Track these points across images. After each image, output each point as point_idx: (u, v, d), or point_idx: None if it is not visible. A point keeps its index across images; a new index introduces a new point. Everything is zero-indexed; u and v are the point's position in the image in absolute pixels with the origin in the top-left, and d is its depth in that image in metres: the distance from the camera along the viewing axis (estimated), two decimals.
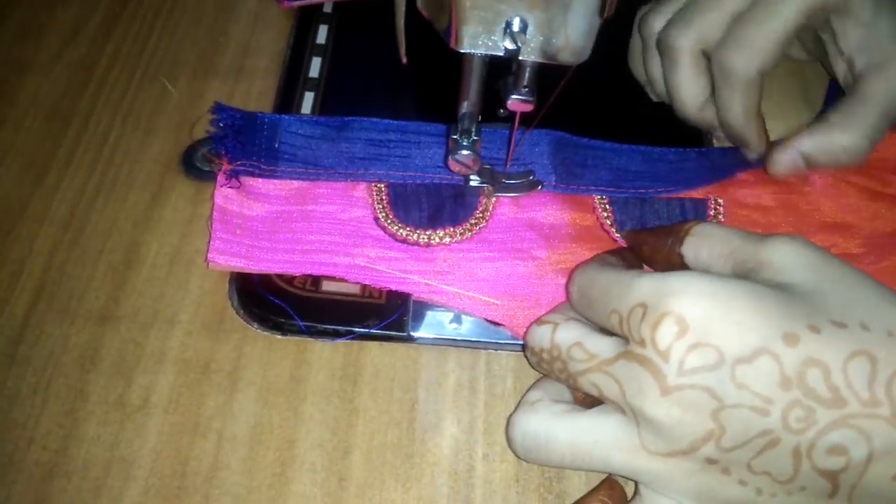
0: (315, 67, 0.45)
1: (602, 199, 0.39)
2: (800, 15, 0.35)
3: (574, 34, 0.28)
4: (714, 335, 0.24)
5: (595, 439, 0.27)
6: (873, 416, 0.23)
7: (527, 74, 0.32)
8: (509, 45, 0.28)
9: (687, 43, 0.37)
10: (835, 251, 0.37)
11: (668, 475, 0.26)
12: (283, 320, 0.35)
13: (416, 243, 0.37)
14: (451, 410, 0.33)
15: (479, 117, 0.35)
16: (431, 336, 0.35)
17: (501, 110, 0.33)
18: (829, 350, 0.24)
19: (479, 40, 0.29)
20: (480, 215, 0.38)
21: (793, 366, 0.24)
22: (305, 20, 0.47)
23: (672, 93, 0.40)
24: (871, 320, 0.24)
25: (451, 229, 0.38)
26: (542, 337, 0.29)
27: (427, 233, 0.37)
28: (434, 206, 0.38)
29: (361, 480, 0.31)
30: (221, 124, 0.40)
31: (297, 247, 0.37)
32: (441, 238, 0.37)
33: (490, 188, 0.39)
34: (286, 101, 0.43)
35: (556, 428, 0.28)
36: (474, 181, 0.38)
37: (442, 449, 0.32)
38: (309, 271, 0.36)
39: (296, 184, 0.39)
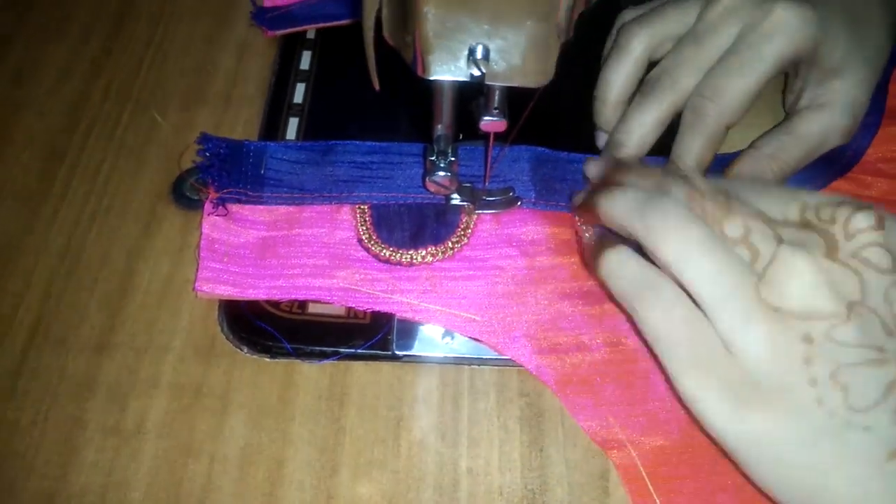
0: (299, 93, 0.46)
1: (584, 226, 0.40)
2: (774, 68, 0.36)
3: (534, 58, 0.29)
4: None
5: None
6: None
7: (496, 96, 0.32)
8: (474, 71, 0.29)
9: (639, 42, 0.38)
10: None
11: (763, 329, 0.25)
12: (270, 343, 0.36)
13: (399, 263, 0.38)
14: (436, 426, 0.34)
15: (460, 136, 0.36)
16: (415, 354, 0.36)
17: (479, 128, 0.34)
18: None
19: (444, 67, 0.29)
20: (462, 233, 0.39)
21: None
22: (289, 47, 0.48)
23: (602, 78, 0.40)
24: None
25: (433, 248, 0.38)
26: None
27: (409, 252, 0.38)
28: (416, 226, 0.39)
29: (349, 497, 0.32)
30: (207, 153, 0.41)
31: (284, 271, 0.38)
32: (423, 257, 0.38)
33: (471, 206, 0.39)
34: (271, 127, 0.44)
35: None
36: (455, 199, 0.39)
37: (427, 464, 0.33)
38: (296, 296, 0.37)
39: (282, 209, 0.40)
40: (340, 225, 0.39)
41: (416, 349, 0.36)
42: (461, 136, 0.36)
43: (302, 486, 0.32)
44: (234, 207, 0.40)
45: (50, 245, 0.40)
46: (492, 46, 0.28)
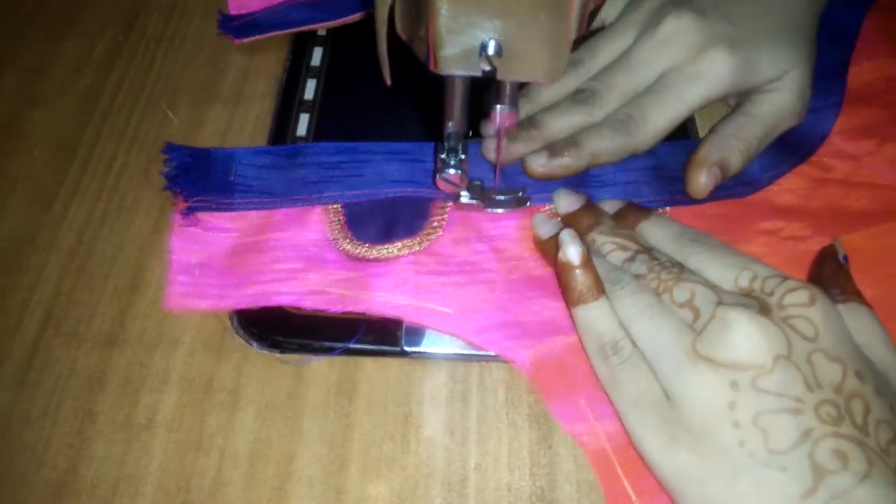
0: (310, 89, 0.46)
1: (552, 208, 0.40)
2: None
3: (547, 54, 0.29)
4: (825, 326, 0.28)
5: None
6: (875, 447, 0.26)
7: (507, 92, 0.33)
8: (485, 66, 0.29)
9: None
10: (784, 234, 0.38)
11: (695, 377, 0.28)
12: (280, 339, 0.36)
13: (372, 259, 0.38)
14: (445, 422, 0.34)
15: (469, 133, 0.36)
16: (424, 350, 0.36)
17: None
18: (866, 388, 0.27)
19: (456, 63, 0.29)
20: (437, 225, 0.39)
21: (851, 384, 0.27)
22: (301, 44, 0.48)
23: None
24: None
25: (407, 241, 0.39)
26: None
27: (384, 247, 0.38)
28: (388, 221, 0.40)
29: (358, 492, 0.32)
30: (174, 164, 0.41)
31: (256, 278, 0.38)
32: (398, 250, 0.38)
33: (480, 204, 0.39)
34: (282, 123, 0.44)
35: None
36: (464, 197, 0.39)
37: (436, 460, 0.33)
38: (267, 303, 0.37)
39: (252, 214, 0.40)
40: (311, 227, 0.40)
41: (425, 345, 0.36)
42: (470, 134, 0.37)
43: (311, 481, 0.32)
44: (204, 216, 0.40)
45: (61, 240, 0.40)
46: (504, 42, 0.28)
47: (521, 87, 0.32)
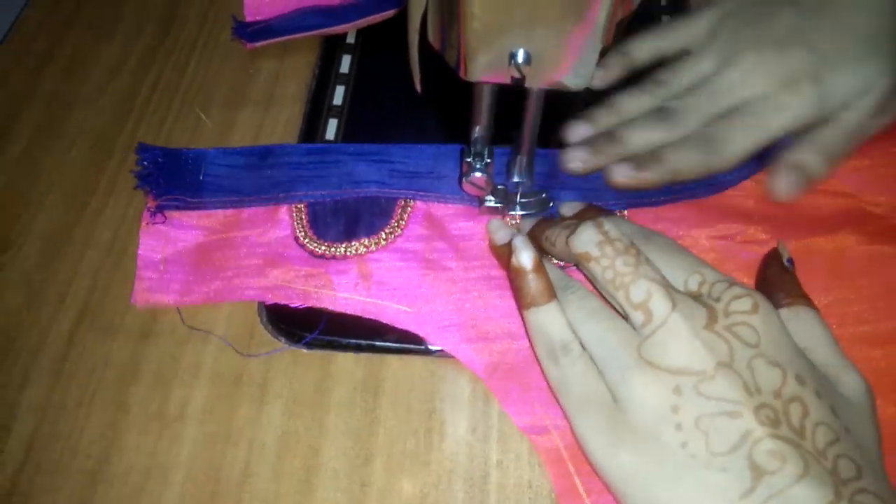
0: (339, 95, 0.47)
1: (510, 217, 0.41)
2: (778, 136, 0.39)
3: (575, 63, 0.30)
4: (766, 332, 0.29)
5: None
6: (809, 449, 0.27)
7: (535, 101, 0.33)
8: (515, 74, 0.30)
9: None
10: (740, 238, 0.39)
11: (640, 381, 0.29)
12: (307, 335, 0.37)
13: (333, 257, 0.39)
14: (467, 420, 0.35)
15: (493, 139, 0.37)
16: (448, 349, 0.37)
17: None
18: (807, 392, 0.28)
19: (486, 70, 0.30)
20: (396, 224, 0.40)
21: (790, 388, 0.28)
22: (330, 50, 0.50)
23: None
24: None
25: (367, 240, 0.40)
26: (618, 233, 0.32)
27: (343, 245, 0.39)
28: (350, 220, 0.41)
29: (382, 486, 0.33)
30: (146, 163, 0.42)
31: (220, 274, 0.39)
32: (356, 249, 0.39)
33: (504, 207, 0.40)
34: (311, 127, 0.45)
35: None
36: (489, 201, 0.40)
37: (458, 456, 0.34)
38: (231, 298, 0.38)
39: (220, 213, 0.41)
40: (278, 225, 0.41)
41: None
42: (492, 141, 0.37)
43: (337, 474, 0.33)
44: (173, 214, 0.41)
45: (97, 237, 0.41)
46: (533, 50, 0.29)
47: (549, 95, 0.33)
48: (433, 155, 0.43)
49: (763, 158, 0.40)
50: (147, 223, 0.40)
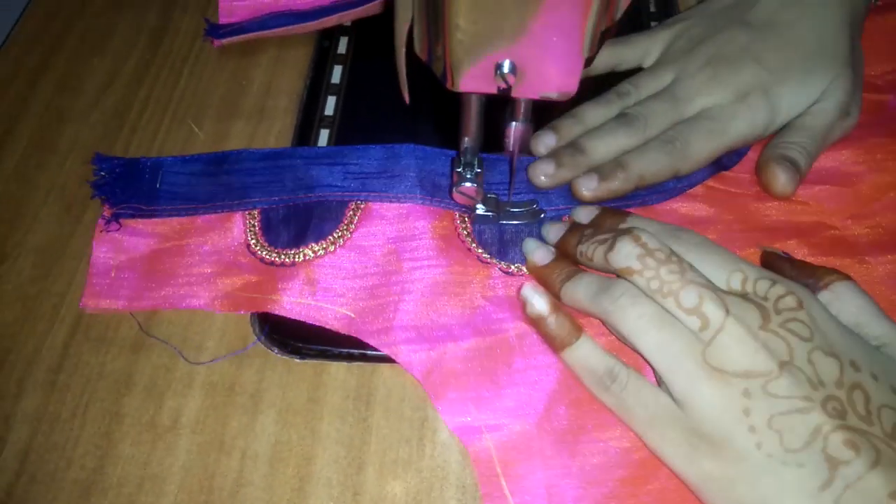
0: (330, 106, 0.48)
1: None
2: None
3: (560, 73, 0.30)
4: (816, 325, 0.30)
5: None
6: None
7: (522, 106, 0.34)
8: (501, 84, 0.31)
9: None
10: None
11: (709, 388, 0.29)
12: (300, 345, 0.37)
13: (283, 263, 0.40)
14: None
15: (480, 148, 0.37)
16: None
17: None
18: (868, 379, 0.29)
19: (472, 81, 0.31)
20: (345, 228, 0.41)
21: (849, 376, 0.29)
22: (321, 62, 0.50)
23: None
24: None
25: (315, 245, 0.40)
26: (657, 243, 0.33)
27: (292, 252, 0.40)
28: (300, 226, 0.41)
29: (375, 494, 0.33)
30: (102, 173, 0.43)
31: (170, 281, 0.39)
32: (304, 255, 0.40)
33: (496, 216, 0.41)
34: (303, 138, 0.46)
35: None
36: (480, 210, 0.41)
37: (450, 464, 0.34)
38: (179, 305, 0.39)
39: (175, 221, 0.42)
40: (230, 232, 0.41)
41: None
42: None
43: (329, 482, 0.34)
44: (129, 222, 0.42)
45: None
46: (519, 61, 0.30)
47: (535, 104, 0.33)
48: (386, 155, 0.43)
49: (715, 164, 0.42)
50: (101, 231, 0.41)
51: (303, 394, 0.36)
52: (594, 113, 0.43)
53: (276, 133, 0.47)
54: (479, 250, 0.40)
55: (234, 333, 0.38)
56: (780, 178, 0.40)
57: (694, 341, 0.30)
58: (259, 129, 0.47)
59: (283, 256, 0.40)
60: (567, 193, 0.41)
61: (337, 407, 0.36)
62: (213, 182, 0.43)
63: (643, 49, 0.46)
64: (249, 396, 0.36)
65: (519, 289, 0.36)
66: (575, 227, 0.38)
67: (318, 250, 0.40)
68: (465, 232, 0.40)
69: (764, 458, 0.28)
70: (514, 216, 0.41)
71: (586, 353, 0.34)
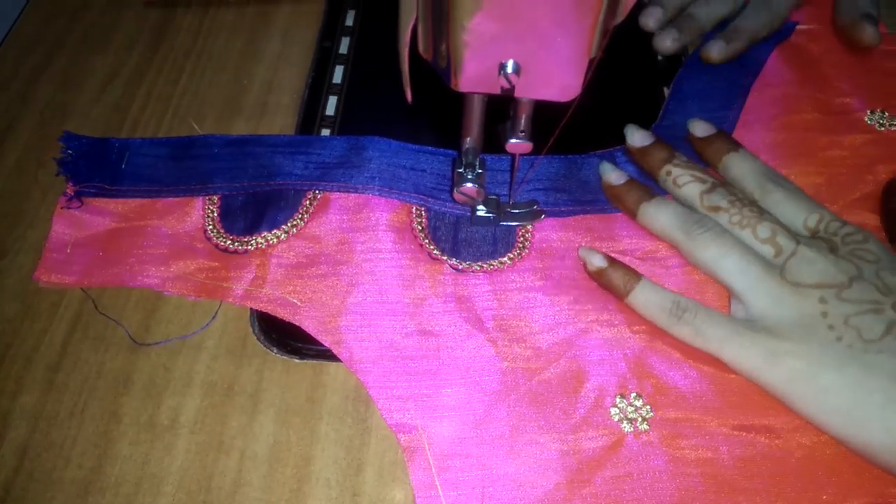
0: (331, 105, 0.47)
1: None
2: None
3: (564, 74, 0.30)
4: (882, 253, 0.35)
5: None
6: None
7: (523, 119, 0.34)
8: (504, 84, 0.30)
9: None
10: (639, 254, 0.40)
11: (788, 299, 0.34)
12: (300, 345, 0.37)
13: (236, 251, 0.40)
14: None
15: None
16: None
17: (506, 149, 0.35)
18: None
19: (475, 81, 0.31)
20: (299, 218, 0.41)
21: None
22: (323, 61, 0.50)
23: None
24: None
25: (269, 234, 0.40)
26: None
27: (246, 239, 0.40)
28: (257, 214, 0.41)
29: (374, 495, 0.33)
30: (70, 151, 0.43)
31: (127, 259, 0.40)
32: (257, 243, 0.40)
33: (496, 217, 0.40)
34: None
35: None
36: (481, 211, 0.40)
37: None
38: (130, 284, 0.39)
39: (135, 202, 0.42)
40: (189, 217, 0.42)
41: None
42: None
43: (328, 483, 0.33)
44: (91, 201, 0.42)
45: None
46: (523, 61, 0.30)
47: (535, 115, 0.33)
48: (349, 146, 0.43)
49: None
50: (62, 207, 0.42)
51: (302, 394, 0.36)
52: None
53: (278, 130, 0.47)
54: (431, 246, 0.40)
55: (233, 333, 0.38)
56: (868, 31, 0.47)
57: (769, 265, 0.35)
58: (260, 126, 0.47)
59: (236, 244, 0.40)
60: (569, 189, 0.42)
61: (336, 408, 0.36)
62: (177, 165, 0.43)
63: None
64: (248, 396, 0.36)
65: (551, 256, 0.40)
66: (661, 144, 0.42)
67: (272, 238, 0.40)
68: (419, 226, 0.41)
69: (845, 349, 0.32)
70: (514, 217, 0.41)
71: (649, 293, 0.37)
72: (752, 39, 0.48)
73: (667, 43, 0.47)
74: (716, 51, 0.47)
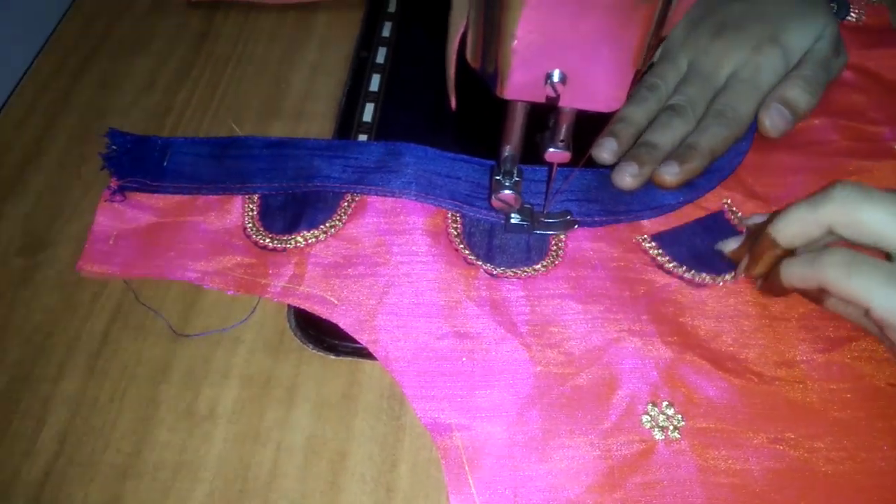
0: (368, 112, 0.49)
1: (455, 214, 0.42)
2: (769, 87, 0.46)
3: (609, 85, 0.31)
4: None
5: None
6: None
7: (563, 129, 0.35)
8: (550, 93, 0.31)
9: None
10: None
11: None
12: (336, 342, 0.38)
13: (275, 249, 0.41)
14: None
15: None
16: None
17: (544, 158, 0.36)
18: None
19: (522, 89, 0.32)
20: (338, 219, 0.42)
21: None
22: (360, 70, 0.51)
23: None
24: None
25: (307, 233, 0.41)
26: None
27: (285, 237, 0.41)
28: (296, 213, 0.42)
29: (408, 491, 0.34)
30: (114, 147, 0.45)
31: (167, 253, 0.41)
32: (296, 242, 0.41)
33: (530, 226, 0.41)
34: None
35: None
36: (515, 219, 0.41)
37: None
38: (170, 276, 0.40)
39: (176, 198, 0.43)
40: (229, 214, 0.43)
41: None
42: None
43: (363, 478, 0.34)
44: (133, 195, 0.43)
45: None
46: (569, 71, 0.31)
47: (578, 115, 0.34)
48: (386, 151, 0.45)
49: (706, 184, 0.44)
50: (106, 200, 0.43)
51: (338, 390, 0.37)
52: (638, 112, 0.45)
53: (315, 135, 0.47)
54: (466, 251, 0.41)
55: (271, 327, 0.39)
56: (765, 123, 0.45)
57: None
58: (297, 130, 0.48)
59: (275, 241, 0.41)
60: (600, 199, 0.43)
61: (371, 405, 0.36)
62: (218, 165, 0.44)
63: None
64: (285, 390, 0.37)
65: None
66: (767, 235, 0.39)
67: (310, 238, 0.41)
68: (454, 231, 0.42)
69: None
70: (547, 226, 0.42)
71: (792, 266, 0.36)
72: (713, 156, 0.43)
73: (626, 179, 0.42)
74: (669, 176, 0.42)
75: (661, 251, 0.41)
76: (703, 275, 0.40)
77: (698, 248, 0.42)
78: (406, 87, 0.51)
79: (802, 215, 0.36)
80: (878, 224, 0.33)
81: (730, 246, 0.41)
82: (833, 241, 0.37)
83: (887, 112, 0.48)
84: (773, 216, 0.37)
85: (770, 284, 0.38)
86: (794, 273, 0.36)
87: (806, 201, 0.36)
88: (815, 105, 0.46)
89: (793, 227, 0.36)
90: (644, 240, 0.42)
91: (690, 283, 0.40)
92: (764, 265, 0.38)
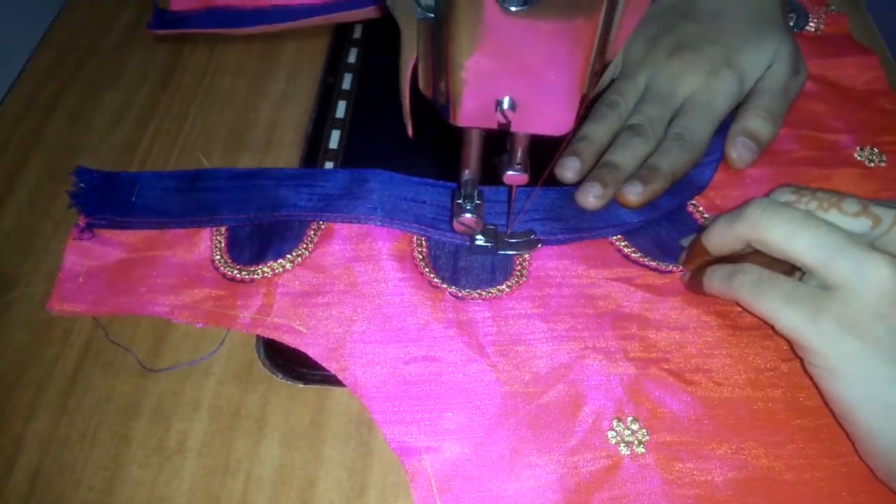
0: (335, 139, 0.49)
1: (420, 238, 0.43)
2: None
3: (557, 110, 0.32)
4: None
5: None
6: None
7: (519, 152, 0.35)
8: (501, 119, 0.32)
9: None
10: (639, 281, 0.42)
11: (880, 263, 0.31)
12: (304, 370, 0.38)
13: (243, 280, 0.41)
14: None
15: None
16: None
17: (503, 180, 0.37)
18: None
19: (473, 116, 0.32)
20: (304, 247, 0.42)
21: None
22: (326, 97, 0.52)
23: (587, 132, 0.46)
24: None
25: (274, 263, 0.42)
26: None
27: (252, 269, 0.42)
28: (263, 244, 0.43)
29: None
30: (82, 184, 0.45)
31: (137, 288, 0.41)
32: (263, 273, 0.41)
33: (494, 247, 0.42)
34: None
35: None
36: (479, 240, 0.42)
37: None
38: (140, 312, 0.40)
39: (144, 233, 0.44)
40: (197, 247, 0.43)
41: None
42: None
43: None
44: (101, 232, 0.43)
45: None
46: (518, 98, 0.31)
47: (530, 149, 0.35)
48: (351, 178, 0.45)
49: (675, 199, 0.45)
50: (74, 238, 0.43)
51: (306, 418, 0.37)
52: (599, 131, 0.46)
53: (283, 164, 0.48)
54: (431, 275, 0.41)
55: (239, 358, 0.39)
56: (731, 155, 0.46)
57: (855, 236, 0.33)
58: (265, 160, 0.49)
59: (243, 273, 0.41)
60: (569, 219, 0.43)
61: (340, 431, 0.37)
62: (186, 198, 0.45)
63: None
64: (254, 420, 0.37)
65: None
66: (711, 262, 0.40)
67: (277, 268, 0.41)
68: (419, 255, 0.42)
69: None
70: (511, 246, 0.42)
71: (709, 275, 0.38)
72: (673, 178, 0.44)
73: (590, 200, 0.43)
74: (633, 196, 0.43)
75: (626, 242, 0.43)
76: (668, 263, 0.42)
77: (662, 240, 0.43)
78: (372, 112, 0.51)
79: (722, 230, 0.37)
80: (784, 243, 0.34)
81: (689, 241, 0.42)
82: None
83: (846, 120, 0.49)
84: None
85: (694, 283, 0.40)
86: (713, 286, 0.38)
87: (726, 217, 0.37)
88: (776, 133, 0.47)
89: (716, 239, 0.38)
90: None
91: (656, 270, 0.42)
92: (695, 265, 0.41)
